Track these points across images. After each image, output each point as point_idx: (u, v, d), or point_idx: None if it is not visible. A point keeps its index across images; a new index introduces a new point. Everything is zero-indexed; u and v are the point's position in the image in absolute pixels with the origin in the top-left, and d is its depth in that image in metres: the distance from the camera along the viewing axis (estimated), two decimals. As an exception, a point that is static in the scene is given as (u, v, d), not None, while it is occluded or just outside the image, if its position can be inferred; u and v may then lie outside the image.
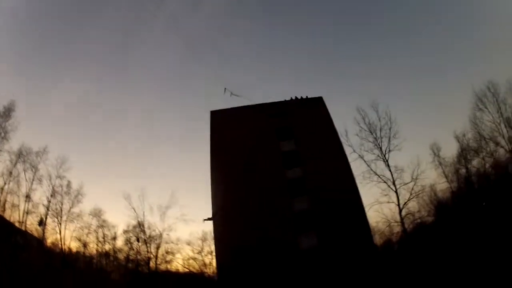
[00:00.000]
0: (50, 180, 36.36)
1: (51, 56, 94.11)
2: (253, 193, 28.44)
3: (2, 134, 32.65)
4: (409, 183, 32.11)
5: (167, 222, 36.81)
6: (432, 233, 32.42)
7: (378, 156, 33.16)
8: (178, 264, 38.38)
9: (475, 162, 35.67)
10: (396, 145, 33.29)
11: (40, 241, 35.64)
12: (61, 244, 36.43)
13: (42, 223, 35.98)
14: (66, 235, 36.49)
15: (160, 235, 36.35)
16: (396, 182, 31.96)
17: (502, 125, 34.39)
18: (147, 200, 37.94)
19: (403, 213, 31.61)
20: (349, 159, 31.46)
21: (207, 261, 38.78)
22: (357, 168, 35.00)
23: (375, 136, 33.83)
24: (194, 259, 38.45)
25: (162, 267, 36.35)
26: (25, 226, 34.63)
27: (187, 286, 39.04)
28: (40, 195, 35.65)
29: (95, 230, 37.71)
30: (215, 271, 30.77)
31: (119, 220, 61.88)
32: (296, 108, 33.81)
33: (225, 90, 25.83)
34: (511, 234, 24.06)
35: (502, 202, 27.77)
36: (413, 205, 34.17)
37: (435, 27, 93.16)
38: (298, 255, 26.22)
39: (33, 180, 35.30)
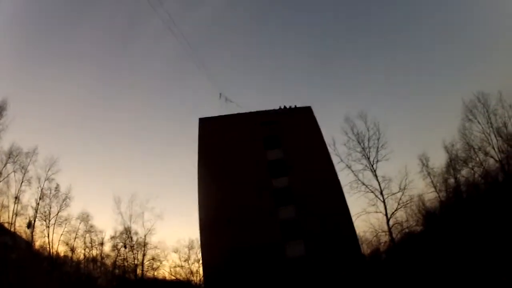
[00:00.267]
0: (39, 182, 36.31)
1: (45, 55, 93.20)
2: (240, 201, 28.32)
3: None
4: (397, 193, 32.17)
5: (150, 226, 36.75)
6: (420, 242, 32.46)
7: (366, 166, 33.19)
8: (165, 271, 38.44)
9: (464, 172, 35.80)
10: (384, 155, 33.30)
11: (29, 243, 35.50)
12: (49, 248, 36.32)
13: (30, 225, 35.89)
14: (54, 239, 36.45)
15: (145, 243, 36.26)
16: (384, 192, 32.00)
17: (492, 135, 34.49)
18: (135, 207, 37.42)
19: (391, 223, 31.63)
20: (337, 169, 31.57)
21: (194, 269, 38.98)
22: (345, 178, 35.21)
23: (363, 146, 33.86)
24: (181, 266, 38.55)
25: (149, 274, 36.31)
26: (14, 228, 34.53)
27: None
28: (29, 197, 35.72)
29: (82, 235, 37.64)
30: (202, 279, 30.71)
31: (107, 225, 61.51)
32: (285, 117, 33.77)
33: (220, 95, 25.89)
34: (500, 244, 24.10)
35: (491, 211, 27.83)
36: (400, 215, 34.23)
37: (425, 38, 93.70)
38: (285, 263, 26.21)
39: (22, 181, 35.26)
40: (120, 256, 36.57)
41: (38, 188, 36.14)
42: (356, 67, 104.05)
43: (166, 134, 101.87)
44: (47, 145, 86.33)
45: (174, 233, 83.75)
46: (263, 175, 29.88)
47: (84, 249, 37.56)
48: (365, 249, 36.56)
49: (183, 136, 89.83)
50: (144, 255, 36.21)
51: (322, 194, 28.54)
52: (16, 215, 34.54)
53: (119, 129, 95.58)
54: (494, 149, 34.22)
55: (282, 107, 34.90)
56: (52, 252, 36.22)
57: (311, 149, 31.08)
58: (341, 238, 27.02)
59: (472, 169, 35.22)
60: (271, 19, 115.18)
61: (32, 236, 35.65)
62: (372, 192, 32.23)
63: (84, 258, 37.36)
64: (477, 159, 35.10)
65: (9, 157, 34.27)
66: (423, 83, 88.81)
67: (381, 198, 31.77)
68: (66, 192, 37.57)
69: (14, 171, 34.68)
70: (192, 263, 39.08)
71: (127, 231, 36.46)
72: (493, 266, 23.29)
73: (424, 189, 37.47)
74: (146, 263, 36.19)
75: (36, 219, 36.20)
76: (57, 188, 37.30)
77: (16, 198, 34.67)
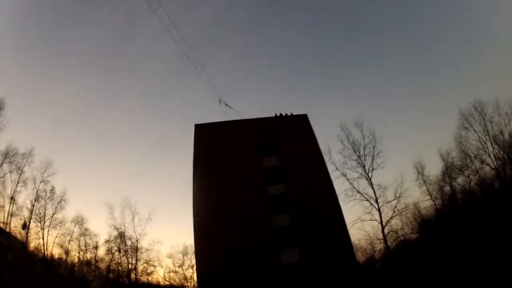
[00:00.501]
0: (34, 183, 36.19)
1: (45, 55, 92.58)
2: (235, 208, 28.33)
3: None
4: (392, 201, 31.81)
5: (143, 231, 36.66)
6: (416, 250, 32.45)
7: (361, 174, 32.92)
8: (159, 276, 38.40)
9: (460, 180, 35.74)
10: (380, 163, 33.09)
11: (24, 244, 35.40)
12: (44, 250, 36.23)
13: (25, 226, 35.78)
14: (49, 241, 36.32)
15: (137, 248, 36.20)
16: (379, 200, 31.67)
17: (489, 143, 34.43)
18: (128, 211, 37.30)
19: (386, 230, 31.44)
20: (332, 177, 31.31)
21: (188, 275, 38.93)
22: (340, 186, 34.88)
23: (358, 154, 33.49)
24: (175, 272, 38.52)
25: (143, 278, 36.22)
26: (10, 228, 34.45)
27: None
28: (25, 198, 35.54)
29: (77, 238, 37.51)
30: (196, 285, 30.69)
31: (102, 228, 60.91)
32: (281, 125, 33.78)
33: (219, 100, 25.92)
34: (496, 251, 24.11)
35: (487, 219, 27.85)
36: (396, 223, 34.05)
37: (422, 43, 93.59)
38: (279, 270, 26.23)
39: (18, 182, 35.13)
40: (114, 260, 36.54)
41: (33, 189, 36.05)
42: (355, 67, 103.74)
43: (164, 137, 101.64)
44: (45, 146, 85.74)
45: (169, 238, 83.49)
46: (258, 182, 29.90)
47: (79, 252, 37.44)
48: (360, 256, 36.48)
49: (181, 139, 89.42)
50: (137, 259, 36.15)
51: (318, 202, 28.55)
52: (12, 215, 34.49)
53: (117, 130, 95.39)
54: (490, 157, 34.21)
55: (278, 114, 34.92)
56: (47, 254, 36.13)
57: (306, 156, 31.15)
58: (336, 246, 27.02)
59: (468, 177, 35.22)
60: (270, 19, 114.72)
61: (27, 237, 35.56)
62: (367, 200, 31.95)
63: (78, 261, 37.28)
64: (473, 167, 35.09)
65: (5, 157, 34.22)
66: (422, 83, 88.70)
67: (376, 206, 31.54)
68: (62, 195, 37.36)
69: (10, 172, 34.59)
70: (186, 269, 39.20)
71: (121, 235, 36.41)
72: (489, 273, 23.24)
73: (419, 197, 37.39)
74: (140, 268, 36.20)
75: (31, 221, 36.12)
76: (52, 190, 37.13)
77: (12, 198, 34.64)
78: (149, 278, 37.09)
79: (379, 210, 31.53)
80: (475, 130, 34.73)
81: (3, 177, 34.01)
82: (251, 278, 25.40)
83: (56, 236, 36.84)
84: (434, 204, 36.40)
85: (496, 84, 63.59)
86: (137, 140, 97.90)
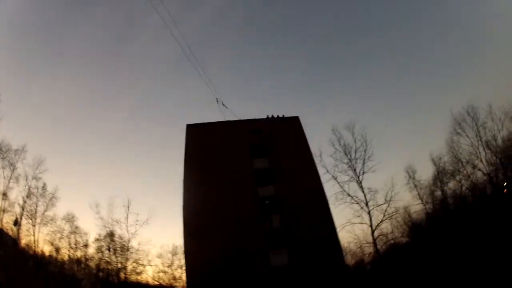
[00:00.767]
0: (26, 180, 36.09)
1: (42, 55, 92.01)
2: (225, 209, 28.22)
3: None
4: (382, 204, 32.19)
5: (134, 231, 36.56)
6: (406, 254, 32.55)
7: (352, 177, 33.16)
8: (148, 276, 38.23)
9: (451, 185, 35.92)
10: (371, 167, 33.27)
11: (15, 241, 35.35)
12: (35, 247, 36.13)
13: (17, 223, 35.70)
14: (40, 238, 36.23)
15: (128, 247, 36.11)
16: (369, 204, 32.01)
17: (481, 148, 34.57)
18: (123, 210, 37.16)
19: (376, 234, 31.65)
20: (323, 179, 31.48)
21: (177, 275, 38.65)
22: (330, 189, 35.12)
23: (349, 157, 33.85)
24: (164, 272, 38.36)
25: (133, 278, 36.08)
26: (2, 224, 34.38)
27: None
28: (17, 194, 35.40)
29: (67, 236, 37.35)
30: (185, 285, 30.61)
31: (92, 226, 60.48)
32: (272, 126, 33.62)
33: (217, 100, 25.79)
34: (487, 256, 24.16)
35: (479, 224, 27.91)
36: (386, 227, 34.31)
37: (415, 47, 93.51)
38: (269, 271, 26.16)
39: (10, 178, 35.11)
40: (104, 259, 36.44)
41: (25, 186, 35.99)
42: (355, 67, 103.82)
43: (164, 137, 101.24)
44: (45, 145, 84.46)
45: (159, 238, 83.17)
46: (249, 183, 29.78)
47: (69, 250, 37.28)
48: (350, 259, 36.64)
49: (180, 139, 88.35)
50: (127, 259, 35.97)
51: (308, 204, 28.47)
52: (4, 211, 34.42)
53: (115, 129, 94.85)
54: (482, 162, 34.36)
55: (270, 116, 34.80)
56: (38, 251, 36.04)
57: (298, 159, 31.01)
58: (325, 248, 27.03)
59: (460, 182, 35.41)
60: (270, 19, 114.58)
61: (18, 234, 35.49)
62: (357, 203, 32.30)
63: (69, 259, 37.22)
64: (465, 172, 35.26)
65: (-2, 153, 34.17)
66: (422, 83, 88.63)
67: (367, 209, 31.82)
68: (53, 192, 37.32)
69: (3, 167, 34.66)
70: (175, 269, 38.90)
71: (111, 234, 36.31)
72: (480, 278, 23.29)
73: (410, 201, 37.78)
74: (129, 267, 36.01)
75: (23, 217, 36.03)
76: (44, 187, 37.07)
77: (4, 194, 34.62)
78: (139, 278, 36.99)
79: (369, 213, 31.82)
80: (467, 135, 34.93)
81: (-5, 173, 34.09)
82: (241, 279, 25.36)
83: (47, 234, 36.76)
84: (425, 208, 36.64)
85: (496, 84, 63.62)
86: (137, 140, 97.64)
